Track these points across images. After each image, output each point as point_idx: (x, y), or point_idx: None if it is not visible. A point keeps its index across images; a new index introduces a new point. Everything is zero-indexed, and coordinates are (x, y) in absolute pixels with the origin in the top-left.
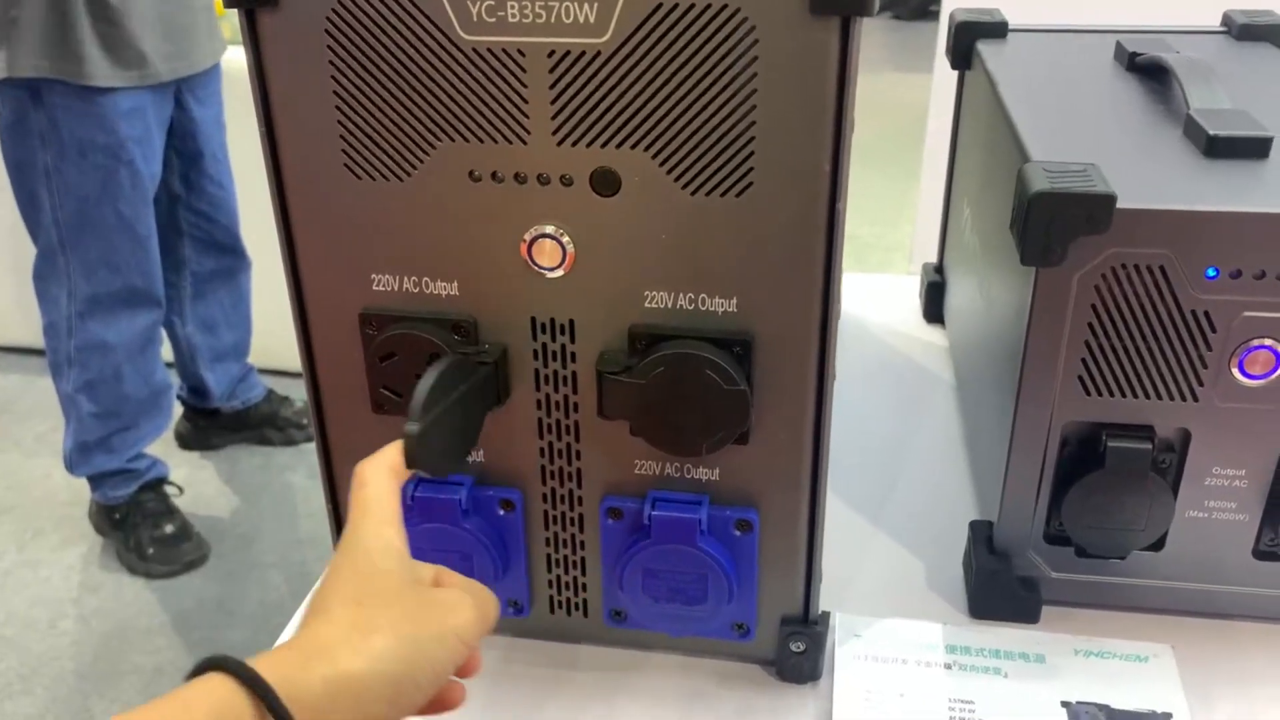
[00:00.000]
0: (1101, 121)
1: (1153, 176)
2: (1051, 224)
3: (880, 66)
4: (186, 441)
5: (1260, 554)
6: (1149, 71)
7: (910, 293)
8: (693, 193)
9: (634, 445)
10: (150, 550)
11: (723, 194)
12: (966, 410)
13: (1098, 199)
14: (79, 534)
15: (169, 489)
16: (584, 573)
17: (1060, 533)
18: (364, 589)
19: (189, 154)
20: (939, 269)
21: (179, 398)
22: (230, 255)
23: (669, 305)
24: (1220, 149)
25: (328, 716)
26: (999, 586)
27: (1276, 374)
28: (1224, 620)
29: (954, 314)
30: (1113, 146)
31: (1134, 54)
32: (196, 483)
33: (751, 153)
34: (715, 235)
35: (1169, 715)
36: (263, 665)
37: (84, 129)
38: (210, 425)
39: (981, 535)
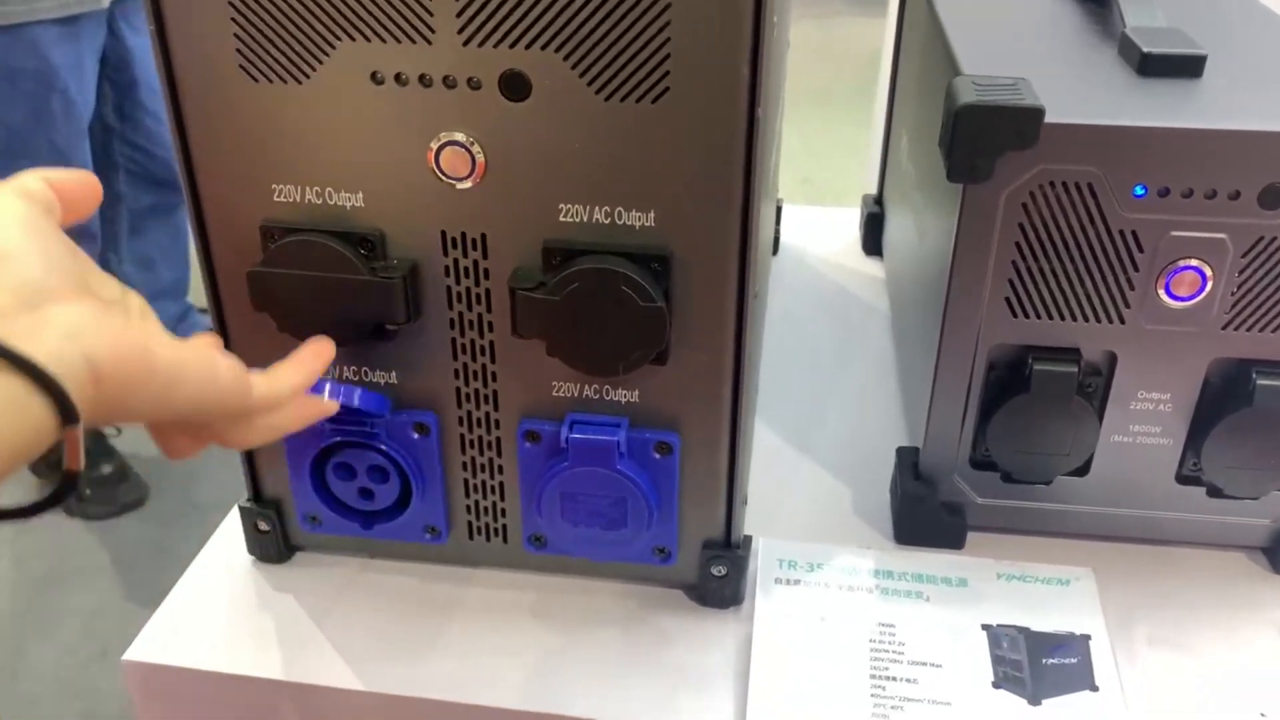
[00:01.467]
0: (1038, 39)
1: (1084, 92)
2: (978, 138)
3: (837, 12)
4: None
5: (1183, 478)
6: None
7: (852, 225)
8: (606, 98)
9: (551, 366)
10: (87, 491)
11: (638, 100)
12: (899, 339)
13: (1026, 112)
14: (14, 475)
15: (106, 429)
16: (502, 497)
17: (986, 458)
18: None
19: (123, 84)
20: (878, 200)
21: None
22: (168, 190)
23: (585, 219)
24: (1153, 67)
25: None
26: (924, 512)
27: (1202, 295)
28: (1146, 545)
29: (891, 245)
30: (1046, 63)
31: None
32: None
33: (667, 55)
34: (631, 144)
35: (1088, 637)
36: None
37: (11, 55)
38: None
39: (907, 461)
